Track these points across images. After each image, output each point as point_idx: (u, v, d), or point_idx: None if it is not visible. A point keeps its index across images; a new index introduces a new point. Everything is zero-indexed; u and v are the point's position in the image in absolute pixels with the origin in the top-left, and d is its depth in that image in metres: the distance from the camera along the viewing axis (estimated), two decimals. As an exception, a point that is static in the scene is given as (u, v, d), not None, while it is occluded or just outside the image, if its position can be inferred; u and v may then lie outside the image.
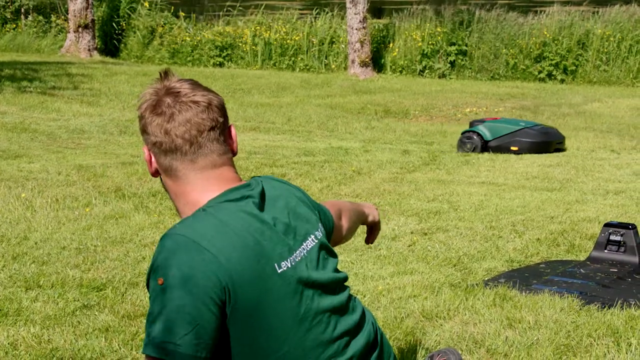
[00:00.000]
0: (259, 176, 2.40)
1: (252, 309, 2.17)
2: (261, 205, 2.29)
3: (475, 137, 10.05)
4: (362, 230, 5.93)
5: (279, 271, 2.23)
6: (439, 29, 19.16)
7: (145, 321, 2.15)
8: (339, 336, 2.36)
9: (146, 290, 4.49)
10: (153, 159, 2.32)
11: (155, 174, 2.34)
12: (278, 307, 2.22)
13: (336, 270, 2.43)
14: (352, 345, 2.40)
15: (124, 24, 21.18)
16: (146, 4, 21.06)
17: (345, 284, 2.48)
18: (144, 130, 2.29)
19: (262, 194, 2.32)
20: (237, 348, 2.20)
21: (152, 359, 2.11)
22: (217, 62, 20.00)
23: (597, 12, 19.39)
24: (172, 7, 21.25)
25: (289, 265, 2.26)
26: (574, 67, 18.45)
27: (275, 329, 2.22)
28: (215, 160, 2.28)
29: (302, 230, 2.35)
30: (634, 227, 5.24)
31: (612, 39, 18.39)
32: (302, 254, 2.31)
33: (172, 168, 2.28)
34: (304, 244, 2.34)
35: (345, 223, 2.79)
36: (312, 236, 2.37)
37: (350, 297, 2.47)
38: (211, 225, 2.17)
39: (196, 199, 2.27)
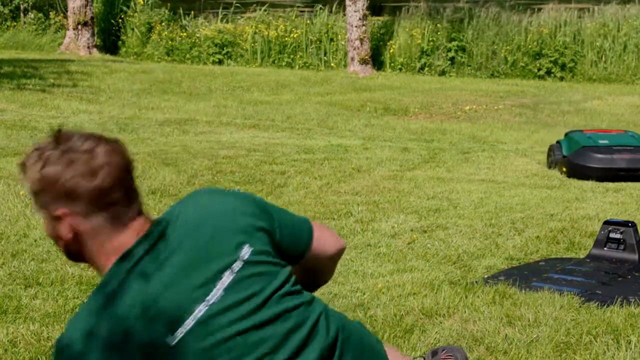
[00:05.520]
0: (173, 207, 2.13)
1: None
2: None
3: (557, 150, 8.49)
4: (360, 228, 5.94)
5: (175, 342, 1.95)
6: (438, 26, 19.15)
7: None
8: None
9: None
10: None
11: None
12: None
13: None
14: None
15: (120, 21, 21.15)
16: (140, 1, 21.01)
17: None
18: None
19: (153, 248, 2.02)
20: None
21: None
22: (217, 60, 19.99)
23: (595, 9, 19.38)
24: (169, 4, 21.19)
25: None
26: (572, 64, 18.43)
27: None
28: None
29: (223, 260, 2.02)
30: (633, 224, 5.24)
31: (610, 36, 18.38)
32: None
33: None
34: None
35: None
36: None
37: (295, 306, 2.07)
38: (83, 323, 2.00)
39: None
